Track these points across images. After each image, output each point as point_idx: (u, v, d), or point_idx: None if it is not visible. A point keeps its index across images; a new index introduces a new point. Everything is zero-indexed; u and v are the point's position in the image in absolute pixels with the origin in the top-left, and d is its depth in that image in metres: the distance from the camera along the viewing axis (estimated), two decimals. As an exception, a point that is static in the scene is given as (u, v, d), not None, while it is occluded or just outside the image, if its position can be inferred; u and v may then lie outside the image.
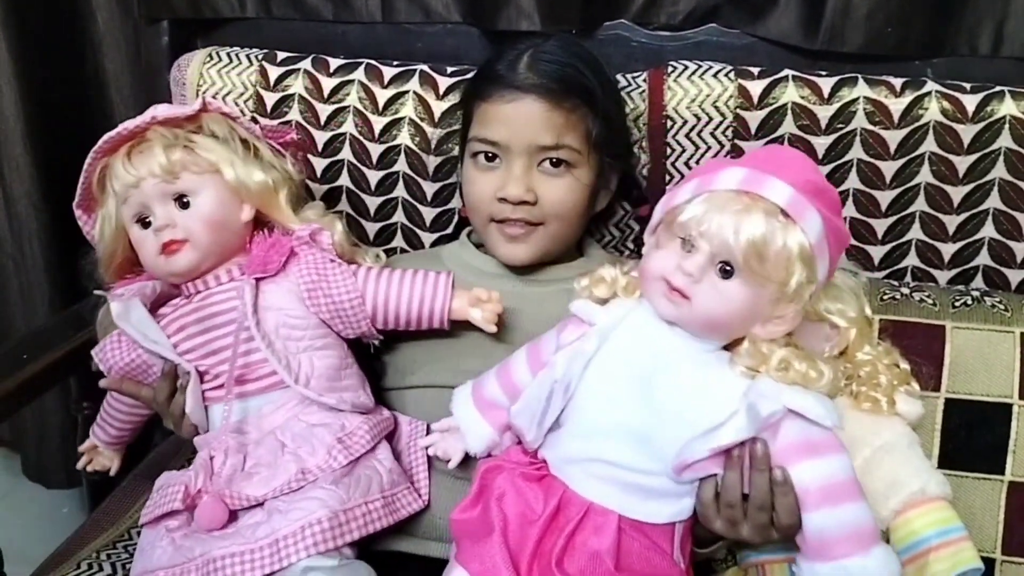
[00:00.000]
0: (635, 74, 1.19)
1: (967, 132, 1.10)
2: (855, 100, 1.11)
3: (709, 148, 1.15)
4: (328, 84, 1.25)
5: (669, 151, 1.17)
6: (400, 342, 1.09)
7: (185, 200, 1.00)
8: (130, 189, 0.99)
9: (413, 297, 1.02)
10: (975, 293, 1.10)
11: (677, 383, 0.82)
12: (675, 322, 0.83)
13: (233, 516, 0.93)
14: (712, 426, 0.78)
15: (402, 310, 1.02)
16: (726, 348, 0.84)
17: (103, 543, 1.12)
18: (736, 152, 1.15)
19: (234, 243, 1.03)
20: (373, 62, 1.26)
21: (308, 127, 1.25)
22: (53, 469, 1.76)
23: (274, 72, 1.27)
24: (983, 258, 1.14)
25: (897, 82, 1.12)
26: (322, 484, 0.92)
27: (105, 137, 1.00)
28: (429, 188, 1.25)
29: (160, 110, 1.02)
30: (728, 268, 0.79)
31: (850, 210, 1.15)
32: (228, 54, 1.30)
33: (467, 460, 0.98)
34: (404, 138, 1.23)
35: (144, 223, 1.00)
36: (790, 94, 1.12)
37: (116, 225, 1.02)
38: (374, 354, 1.12)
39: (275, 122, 1.23)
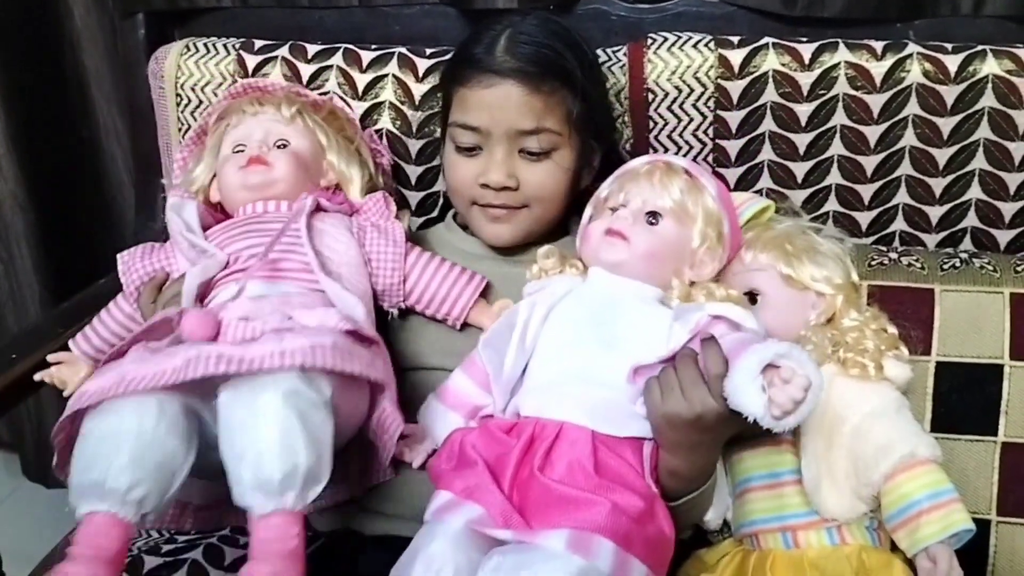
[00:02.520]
0: (615, 48, 1.18)
1: (950, 93, 1.08)
2: (836, 65, 1.10)
3: (691, 120, 1.14)
4: (307, 71, 1.24)
5: (652, 124, 1.16)
6: (412, 325, 1.09)
7: (284, 143, 1.08)
8: (246, 117, 1.09)
9: (447, 280, 1.05)
10: (963, 255, 1.09)
11: (627, 319, 0.91)
12: (620, 265, 0.93)
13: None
14: (657, 342, 0.88)
15: (433, 284, 1.05)
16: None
17: (100, 540, 1.12)
18: (719, 122, 1.14)
19: (305, 189, 1.07)
20: (351, 47, 1.26)
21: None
22: (52, 468, 1.76)
23: (252, 61, 1.26)
24: (971, 220, 1.14)
25: (878, 45, 1.10)
26: (326, 332, 0.86)
27: (242, 82, 1.13)
28: (413, 172, 1.24)
29: (295, 86, 1.16)
30: (654, 216, 0.94)
31: (835, 176, 1.14)
32: (205, 44, 1.29)
33: None
34: (385, 122, 1.22)
35: (239, 151, 1.07)
36: (771, 62, 1.11)
37: (211, 160, 1.10)
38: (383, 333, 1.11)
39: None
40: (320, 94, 1.23)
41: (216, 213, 1.08)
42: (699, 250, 0.94)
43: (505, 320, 0.97)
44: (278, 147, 1.07)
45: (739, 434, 0.92)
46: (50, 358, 1.12)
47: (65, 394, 1.12)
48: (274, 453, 0.76)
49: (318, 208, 1.03)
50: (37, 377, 1.12)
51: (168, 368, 0.79)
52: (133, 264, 1.05)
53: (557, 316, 0.94)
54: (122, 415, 0.78)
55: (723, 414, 0.81)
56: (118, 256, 1.06)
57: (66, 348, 1.19)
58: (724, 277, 0.99)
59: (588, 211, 1.01)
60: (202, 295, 0.96)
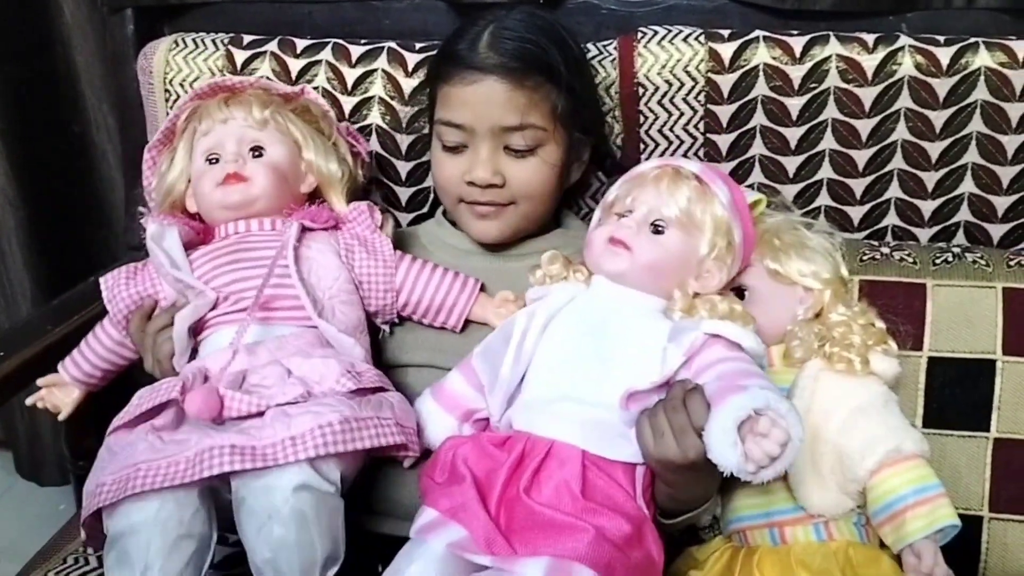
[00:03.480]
0: (606, 42, 1.17)
1: (942, 86, 1.08)
2: (827, 58, 1.09)
3: (682, 114, 1.13)
4: (295, 66, 1.24)
5: (642, 119, 1.15)
6: (409, 320, 1.09)
7: (259, 150, 1.05)
8: (216, 124, 1.05)
9: (440, 289, 1.04)
10: (956, 250, 1.08)
11: (626, 333, 0.89)
12: (621, 275, 0.91)
13: (225, 424, 0.88)
14: (652, 363, 0.85)
15: (426, 296, 1.04)
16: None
17: (90, 537, 1.11)
18: (709, 117, 1.13)
19: (286, 201, 1.06)
20: (340, 41, 1.25)
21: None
22: (46, 466, 1.77)
23: (240, 56, 1.25)
24: (964, 214, 1.13)
25: (870, 38, 1.09)
26: (331, 399, 0.88)
27: (209, 82, 1.08)
28: (403, 167, 1.23)
29: (264, 81, 1.11)
30: (660, 226, 0.91)
31: (827, 171, 1.13)
32: (194, 40, 1.28)
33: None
34: (375, 117, 1.22)
35: (212, 161, 1.04)
36: (761, 55, 1.10)
37: (183, 165, 1.07)
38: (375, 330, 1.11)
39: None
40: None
41: (194, 222, 1.06)
42: (706, 260, 0.91)
43: (502, 330, 0.96)
44: (253, 155, 1.04)
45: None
46: (40, 382, 1.12)
47: (60, 418, 1.13)
48: (292, 551, 0.80)
49: (303, 229, 1.02)
50: (28, 402, 1.13)
51: (182, 463, 0.81)
52: (118, 290, 1.03)
53: (556, 327, 0.92)
54: (145, 513, 0.81)
55: None
56: (100, 280, 1.05)
57: (55, 347, 1.20)
58: None
59: (597, 215, 0.99)
60: (194, 329, 0.97)
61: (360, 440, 0.85)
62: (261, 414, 0.87)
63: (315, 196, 1.10)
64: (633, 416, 0.85)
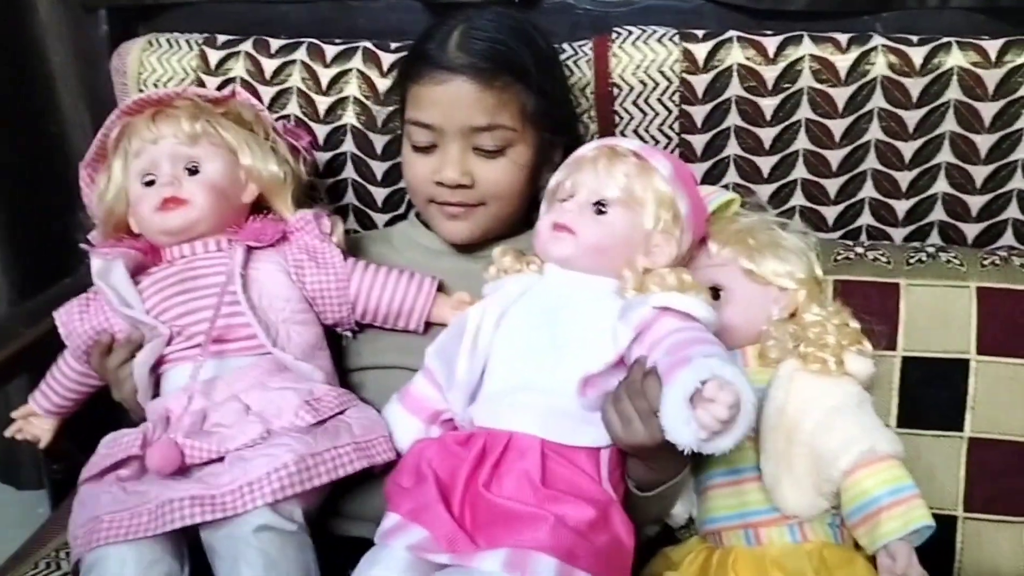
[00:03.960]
0: (580, 42, 1.17)
1: (915, 86, 1.08)
2: (801, 59, 1.09)
3: (657, 114, 1.13)
4: (270, 66, 1.23)
5: (617, 119, 1.15)
6: (367, 323, 1.08)
7: (194, 167, 1.02)
8: (147, 144, 1.02)
9: (396, 294, 1.04)
10: (929, 249, 1.08)
11: (578, 318, 0.88)
12: (568, 259, 0.91)
13: (187, 470, 0.90)
14: (605, 345, 0.85)
15: (383, 303, 1.04)
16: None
17: (62, 542, 1.10)
18: (684, 117, 1.13)
19: (229, 217, 1.04)
20: (315, 41, 1.24)
21: (252, 110, 1.23)
22: (23, 469, 1.75)
23: (214, 56, 1.25)
24: (938, 213, 1.13)
25: (843, 38, 1.09)
26: (287, 437, 0.90)
27: (134, 98, 1.05)
28: (379, 167, 1.23)
29: (191, 89, 1.07)
30: (601, 206, 0.91)
31: (800, 171, 1.13)
32: (168, 40, 1.27)
33: None
34: (350, 117, 1.21)
35: (148, 183, 1.01)
36: (735, 56, 1.10)
37: (120, 184, 1.04)
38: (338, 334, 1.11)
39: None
40: (283, 90, 1.22)
41: (139, 242, 1.04)
42: (653, 234, 0.91)
43: (455, 327, 0.96)
44: (189, 173, 1.02)
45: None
46: (15, 415, 1.13)
47: (40, 447, 1.14)
48: None
49: (248, 250, 1.01)
50: (8, 433, 1.14)
51: (144, 516, 0.85)
52: (73, 326, 1.03)
53: (511, 319, 0.92)
54: (112, 559, 0.84)
55: None
56: (55, 314, 1.05)
57: (29, 349, 1.20)
58: (690, 270, 0.97)
59: (543, 205, 0.99)
60: (154, 365, 0.98)
61: (317, 477, 0.87)
62: (221, 458, 0.89)
63: (259, 203, 1.08)
64: (593, 401, 0.85)
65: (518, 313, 0.92)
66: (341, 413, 0.95)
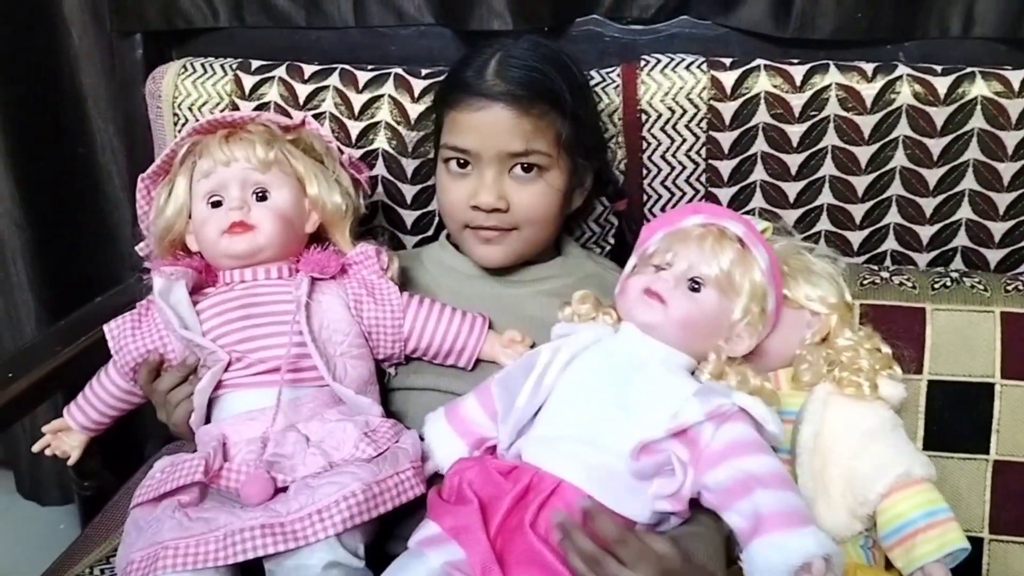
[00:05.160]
0: (608, 69, 1.19)
1: (940, 114, 1.10)
2: (827, 87, 1.11)
3: (684, 140, 1.15)
4: (303, 91, 1.25)
5: (645, 145, 1.17)
6: (416, 358, 1.09)
7: (263, 194, 1.02)
8: (218, 166, 1.02)
9: (448, 333, 1.04)
10: (954, 274, 1.10)
11: (648, 384, 0.88)
12: (653, 327, 0.91)
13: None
14: (670, 413, 0.84)
15: (436, 341, 1.04)
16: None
17: (96, 558, 1.12)
18: (711, 143, 1.15)
19: (292, 246, 1.05)
20: (347, 67, 1.26)
21: (285, 135, 1.25)
22: (47, 486, 1.76)
23: (249, 81, 1.27)
24: (961, 239, 1.15)
25: (869, 67, 1.12)
26: (352, 466, 0.90)
27: (209, 117, 1.05)
28: (408, 191, 1.25)
29: (265, 115, 1.08)
30: (697, 284, 0.91)
31: (827, 196, 1.15)
32: (202, 64, 1.29)
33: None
34: (381, 142, 1.23)
35: (215, 204, 1.02)
36: (762, 83, 1.12)
37: (183, 201, 1.04)
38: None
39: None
40: (316, 115, 1.24)
41: (196, 262, 1.05)
42: (738, 325, 0.92)
43: (524, 361, 0.96)
44: (257, 198, 1.02)
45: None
46: (45, 429, 1.12)
47: (69, 463, 1.14)
48: None
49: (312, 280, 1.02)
50: (36, 448, 1.13)
51: (211, 544, 0.83)
52: (124, 342, 1.03)
53: (579, 365, 0.92)
54: None
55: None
56: (105, 327, 1.04)
57: (62, 369, 1.21)
58: None
59: (632, 261, 0.99)
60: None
61: (383, 504, 0.87)
62: (284, 488, 0.89)
63: (317, 234, 1.09)
64: (642, 468, 0.84)
65: (587, 362, 0.92)
66: (396, 443, 0.95)
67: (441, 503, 0.88)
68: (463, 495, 0.86)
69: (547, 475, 0.85)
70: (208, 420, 0.98)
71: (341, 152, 1.11)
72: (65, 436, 1.12)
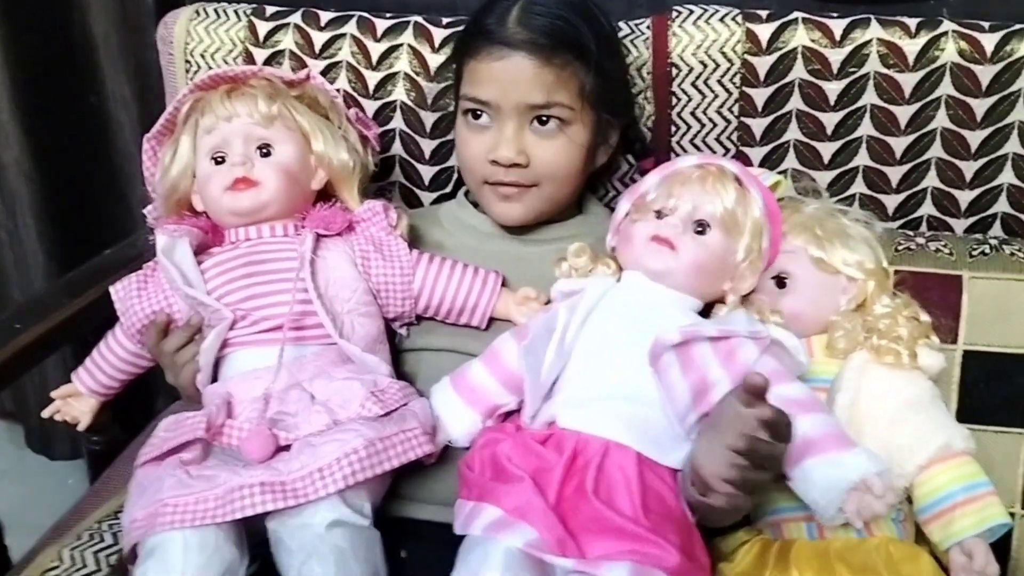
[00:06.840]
0: (638, 20, 1.15)
1: (985, 73, 1.05)
2: (868, 42, 1.07)
3: (716, 96, 1.11)
4: (319, 39, 1.21)
5: (675, 100, 1.13)
6: (428, 317, 1.07)
7: (267, 149, 1.01)
8: (220, 122, 1.00)
9: (460, 290, 1.02)
10: (993, 242, 1.06)
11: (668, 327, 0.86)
12: (664, 274, 0.91)
13: None
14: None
15: (447, 299, 1.02)
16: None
17: (104, 513, 1.10)
18: (744, 99, 1.11)
19: (297, 203, 1.03)
20: (365, 14, 1.22)
21: (300, 84, 1.21)
22: (56, 440, 1.76)
23: (263, 27, 1.23)
24: (1002, 205, 1.11)
25: (912, 22, 1.07)
26: (355, 423, 0.88)
27: (211, 72, 1.03)
28: (427, 145, 1.21)
29: (267, 69, 1.06)
30: (702, 225, 0.92)
31: (863, 158, 1.11)
32: (215, 10, 1.25)
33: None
34: (399, 94, 1.19)
35: (218, 160, 1.00)
36: (800, 37, 1.08)
37: (188, 159, 1.02)
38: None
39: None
40: (332, 64, 1.20)
41: (201, 221, 1.03)
42: (742, 264, 0.92)
43: (544, 324, 0.92)
44: (261, 154, 1.00)
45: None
46: (54, 394, 1.12)
47: (79, 428, 1.13)
48: None
49: (317, 237, 1.00)
50: (46, 414, 1.12)
51: (211, 501, 0.82)
52: (130, 303, 1.01)
53: (595, 321, 0.91)
54: (173, 544, 0.81)
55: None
56: (111, 289, 1.03)
57: (71, 321, 1.19)
58: None
59: (625, 207, 0.98)
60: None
61: (388, 460, 0.86)
62: (287, 446, 0.87)
63: (325, 191, 1.06)
64: (680, 412, 0.84)
65: (602, 317, 0.91)
66: (404, 405, 0.93)
67: (486, 482, 0.85)
68: (507, 472, 0.83)
69: (591, 438, 0.84)
70: (215, 380, 0.97)
71: (348, 107, 1.08)
72: (75, 401, 1.11)
